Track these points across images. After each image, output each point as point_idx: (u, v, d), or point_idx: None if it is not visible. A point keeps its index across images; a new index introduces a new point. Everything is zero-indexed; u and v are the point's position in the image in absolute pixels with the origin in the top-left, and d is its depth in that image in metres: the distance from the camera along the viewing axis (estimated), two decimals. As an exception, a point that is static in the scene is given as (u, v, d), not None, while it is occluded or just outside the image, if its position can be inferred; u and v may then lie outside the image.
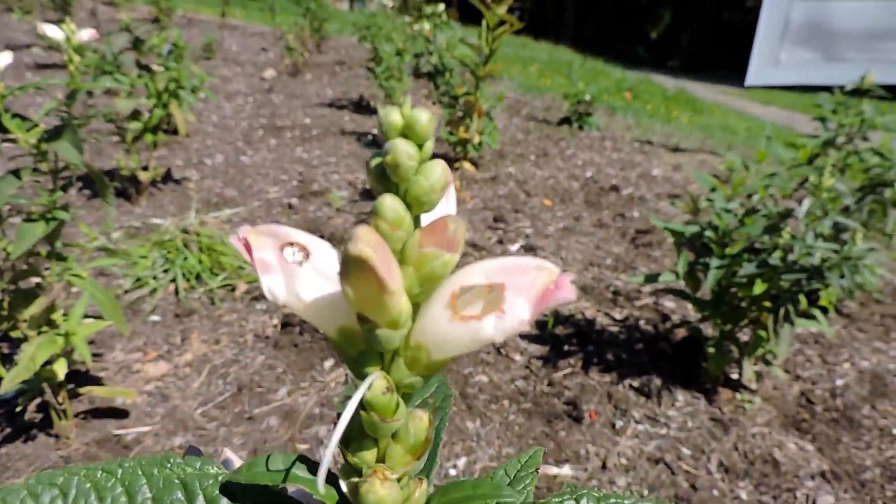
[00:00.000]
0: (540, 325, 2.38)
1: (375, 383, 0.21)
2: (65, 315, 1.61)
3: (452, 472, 1.68)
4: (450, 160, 3.75)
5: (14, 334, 1.55)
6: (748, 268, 1.75)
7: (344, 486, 0.24)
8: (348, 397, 0.21)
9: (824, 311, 2.04)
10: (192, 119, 3.51)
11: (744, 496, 1.74)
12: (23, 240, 1.41)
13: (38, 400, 1.73)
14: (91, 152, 3.66)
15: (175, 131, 4.21)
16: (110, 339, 2.07)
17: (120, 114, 3.01)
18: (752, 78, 5.06)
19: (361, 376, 0.21)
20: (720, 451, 1.88)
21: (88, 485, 0.24)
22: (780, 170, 1.96)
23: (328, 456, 0.20)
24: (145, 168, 3.20)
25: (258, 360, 2.03)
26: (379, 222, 0.20)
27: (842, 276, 1.70)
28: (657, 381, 2.09)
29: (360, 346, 0.22)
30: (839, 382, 2.27)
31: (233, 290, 2.41)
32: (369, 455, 0.22)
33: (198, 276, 2.43)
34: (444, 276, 0.21)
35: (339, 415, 0.20)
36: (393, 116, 0.20)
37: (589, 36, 19.39)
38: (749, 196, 1.93)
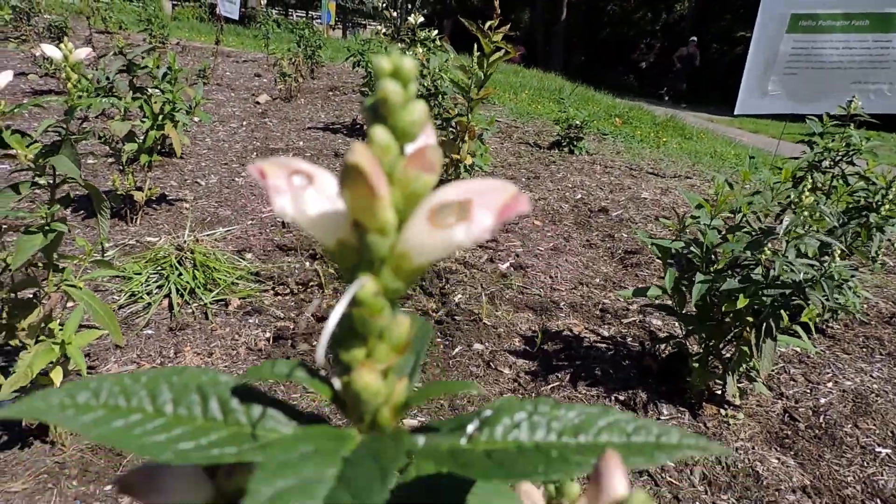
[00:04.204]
0: (529, 340, 2.42)
1: (366, 285, 0.25)
2: (61, 325, 1.63)
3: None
4: (441, 182, 3.81)
5: (13, 343, 1.57)
6: (731, 283, 1.80)
7: (337, 384, 0.28)
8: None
9: (806, 329, 2.09)
10: (187, 142, 3.56)
11: (727, 508, 1.77)
12: (22, 251, 1.45)
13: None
14: (86, 174, 3.70)
15: (169, 153, 4.26)
16: (105, 352, 2.09)
17: (115, 136, 3.06)
18: (740, 107, 5.17)
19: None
20: (703, 463, 1.90)
21: (117, 388, 0.28)
22: (766, 192, 2.02)
23: (325, 337, 0.24)
24: (140, 188, 3.24)
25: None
26: (372, 148, 0.24)
27: (823, 295, 1.75)
28: (643, 396, 2.13)
29: (354, 259, 0.26)
30: (822, 401, 2.31)
31: (226, 304, 2.44)
32: (359, 352, 0.26)
33: (192, 292, 2.45)
34: (425, 194, 0.25)
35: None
36: (383, 62, 0.25)
37: (579, 64, 19.70)
38: (733, 214, 1.99)
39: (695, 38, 15.35)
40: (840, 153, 2.88)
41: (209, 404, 0.28)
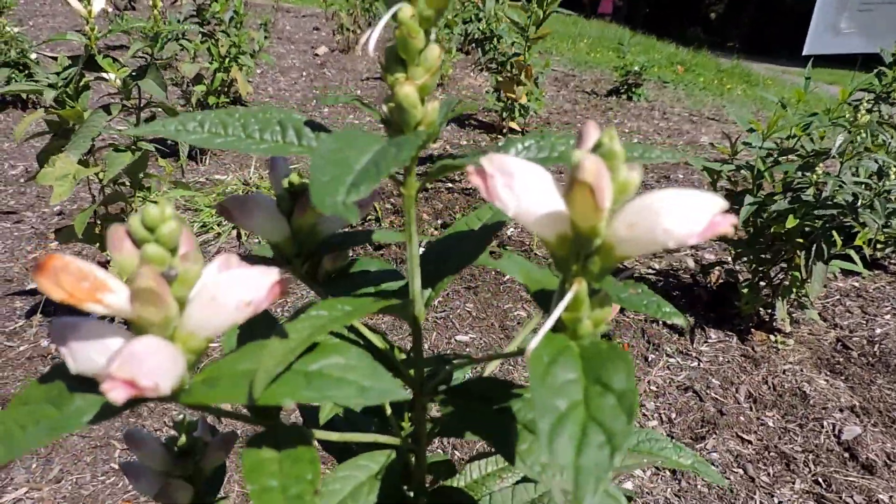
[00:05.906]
0: (580, 271, 2.48)
1: (404, 8, 0.33)
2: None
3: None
4: (496, 127, 3.86)
5: (106, 254, 1.74)
6: (781, 203, 1.81)
7: (384, 108, 0.36)
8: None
9: (860, 252, 2.07)
10: (251, 90, 3.70)
11: (770, 423, 1.81)
12: (113, 166, 1.59)
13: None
14: (160, 115, 3.89)
15: (234, 101, 4.43)
16: (181, 273, 2.26)
17: (186, 77, 3.22)
18: (810, 46, 4.93)
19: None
20: (749, 383, 1.95)
21: (217, 120, 0.37)
22: (821, 114, 1.99)
23: (375, 35, 0.32)
24: (209, 130, 3.41)
25: (311, 294, 2.19)
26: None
27: (886, 215, 1.74)
28: (691, 321, 2.17)
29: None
30: (878, 331, 2.30)
31: (290, 235, 2.58)
32: (400, 75, 0.34)
33: (258, 223, 2.61)
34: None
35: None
36: None
37: (644, 16, 18.96)
38: (788, 138, 1.99)
39: None
40: (910, 84, 2.78)
41: (287, 132, 0.37)
